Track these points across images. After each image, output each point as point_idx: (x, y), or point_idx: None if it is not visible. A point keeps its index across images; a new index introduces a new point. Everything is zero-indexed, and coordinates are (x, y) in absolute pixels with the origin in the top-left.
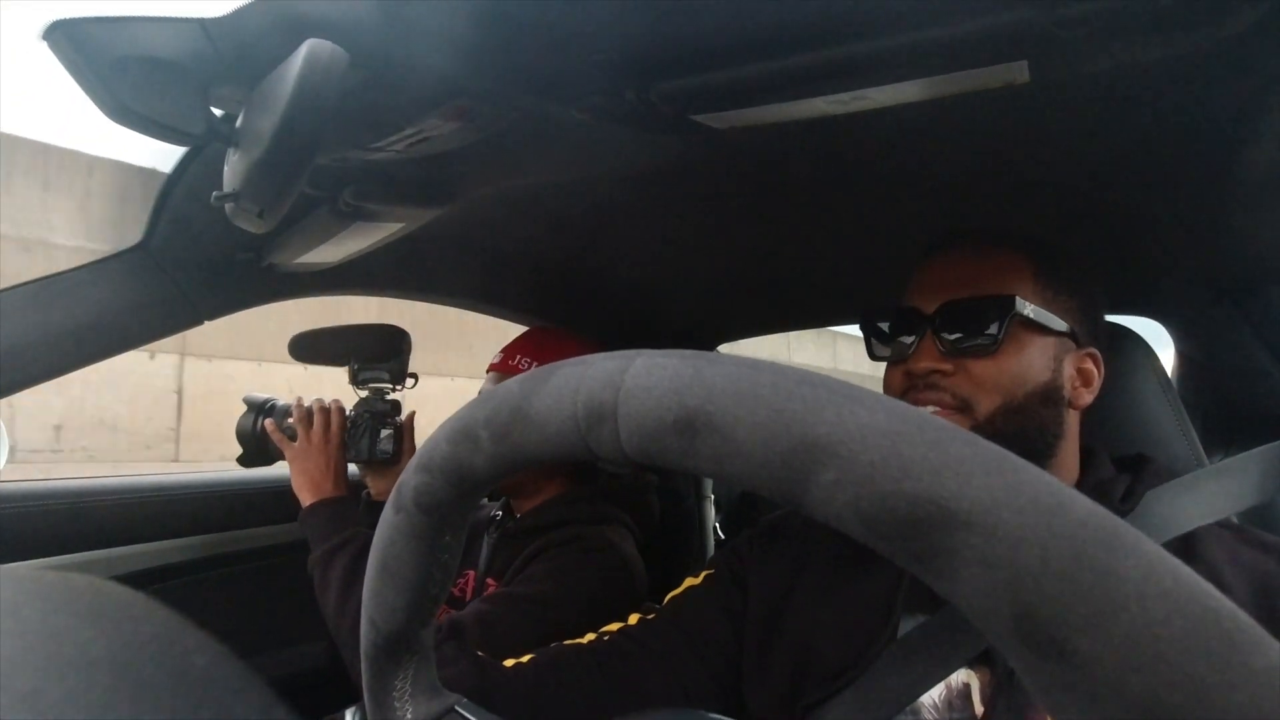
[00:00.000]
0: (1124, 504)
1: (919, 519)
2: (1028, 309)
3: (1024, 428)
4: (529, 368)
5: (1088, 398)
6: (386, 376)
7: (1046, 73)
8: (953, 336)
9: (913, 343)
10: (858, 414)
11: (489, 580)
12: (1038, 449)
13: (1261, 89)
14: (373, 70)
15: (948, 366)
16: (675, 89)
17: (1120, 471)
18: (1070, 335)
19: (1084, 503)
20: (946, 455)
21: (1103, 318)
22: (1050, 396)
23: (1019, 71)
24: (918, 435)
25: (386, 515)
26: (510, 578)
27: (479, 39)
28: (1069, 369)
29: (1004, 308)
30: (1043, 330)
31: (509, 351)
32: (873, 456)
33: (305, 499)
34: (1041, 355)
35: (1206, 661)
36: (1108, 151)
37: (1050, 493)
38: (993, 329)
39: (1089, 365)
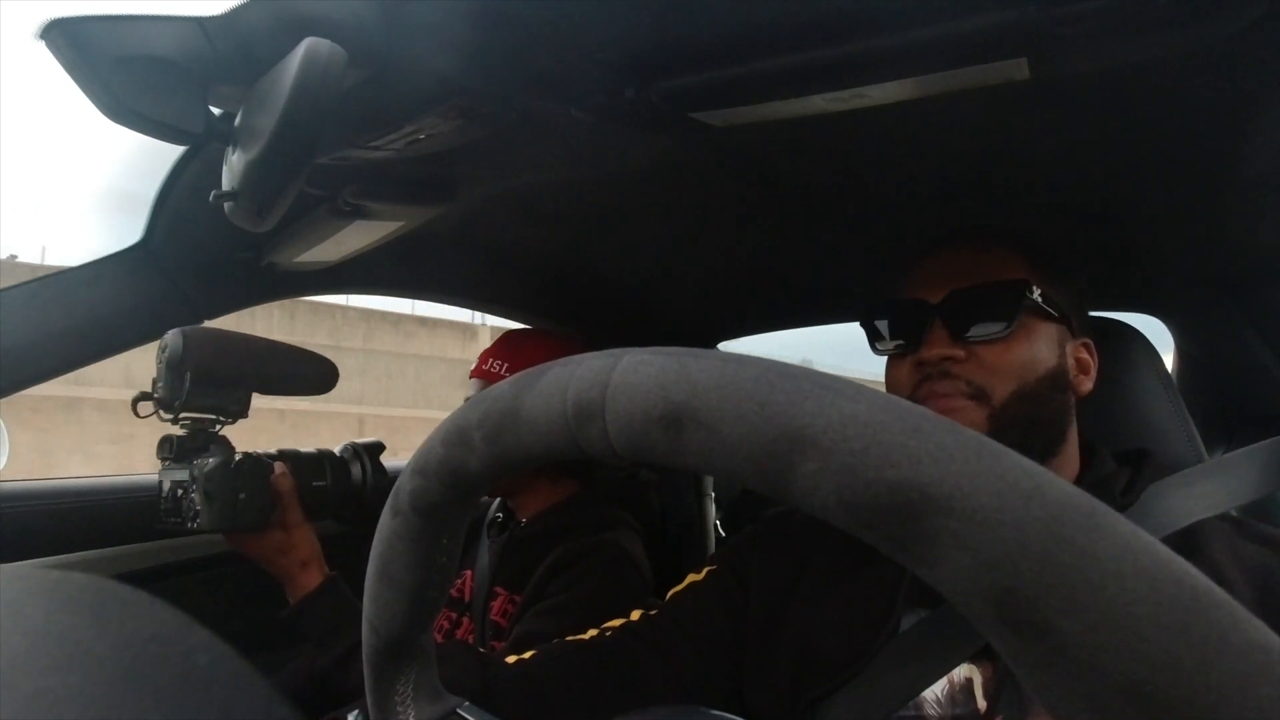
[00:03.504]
0: (1124, 498)
1: (900, 505)
2: (1036, 293)
3: (1037, 413)
4: (501, 370)
5: (1087, 384)
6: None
7: (1046, 70)
8: (963, 324)
9: (920, 333)
10: (839, 404)
11: (498, 589)
12: (1051, 435)
13: (1261, 88)
14: (371, 69)
15: (960, 353)
16: (675, 87)
17: (1121, 466)
18: (1067, 323)
19: (1061, 485)
20: (926, 442)
21: (1088, 310)
22: (1059, 382)
23: (1018, 69)
24: (897, 423)
25: (384, 519)
26: (530, 591)
27: (478, 38)
28: (1070, 356)
29: (1016, 292)
30: (1047, 316)
31: (484, 357)
32: (854, 445)
33: (292, 588)
34: (1048, 341)
35: (1184, 639)
36: (1108, 149)
37: (1028, 476)
38: (1005, 314)
39: (1084, 354)
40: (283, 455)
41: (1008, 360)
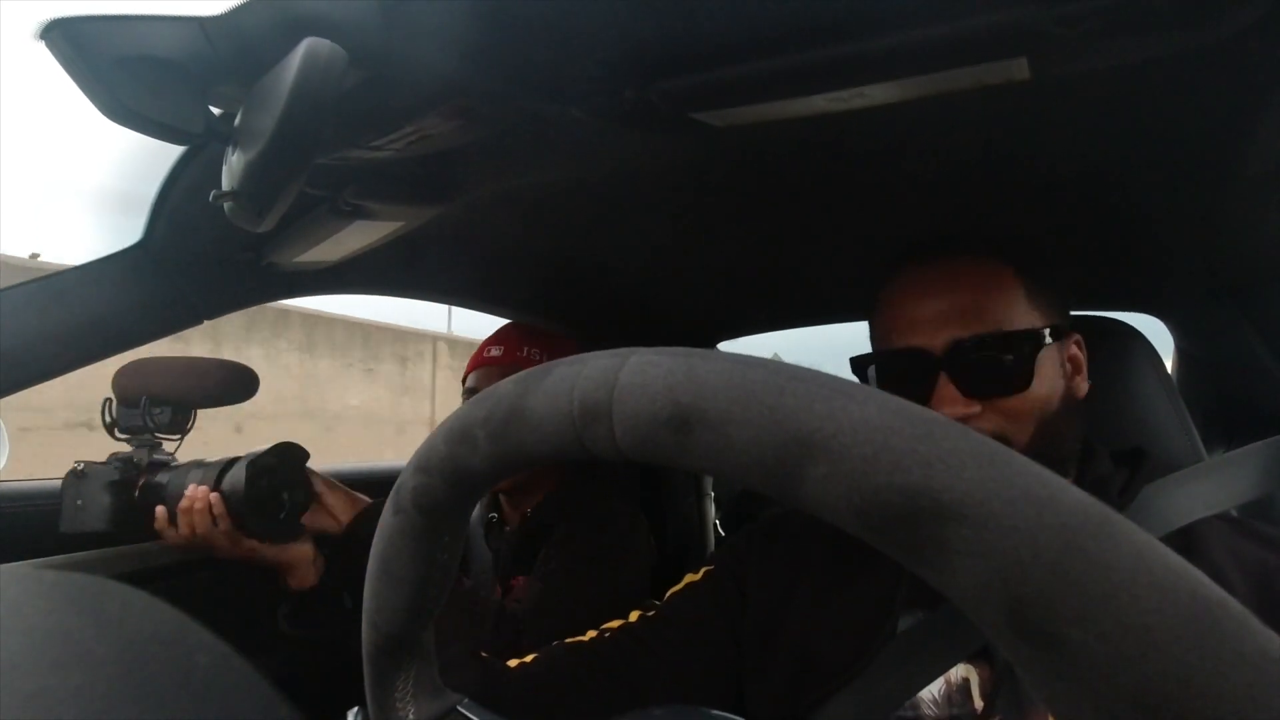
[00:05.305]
0: (1122, 498)
1: (911, 511)
2: (1047, 335)
3: (1056, 441)
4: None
5: (1084, 385)
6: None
7: (1046, 70)
8: (976, 381)
9: (925, 389)
10: (849, 408)
11: (514, 581)
12: (1066, 453)
13: (1261, 88)
14: (372, 69)
15: (976, 409)
16: (675, 87)
17: (1118, 466)
18: (1056, 331)
19: (1075, 493)
20: (938, 448)
21: (1085, 309)
22: (1069, 402)
23: (1019, 69)
24: (909, 429)
25: (385, 517)
26: (541, 566)
27: (478, 38)
28: (1066, 364)
29: (1033, 345)
30: (1048, 344)
31: (519, 346)
32: (864, 450)
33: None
34: (1054, 369)
35: (1197, 649)
36: (1108, 149)
37: (1041, 484)
38: (1024, 370)
39: (1075, 351)
40: (194, 465)
41: (1028, 406)
